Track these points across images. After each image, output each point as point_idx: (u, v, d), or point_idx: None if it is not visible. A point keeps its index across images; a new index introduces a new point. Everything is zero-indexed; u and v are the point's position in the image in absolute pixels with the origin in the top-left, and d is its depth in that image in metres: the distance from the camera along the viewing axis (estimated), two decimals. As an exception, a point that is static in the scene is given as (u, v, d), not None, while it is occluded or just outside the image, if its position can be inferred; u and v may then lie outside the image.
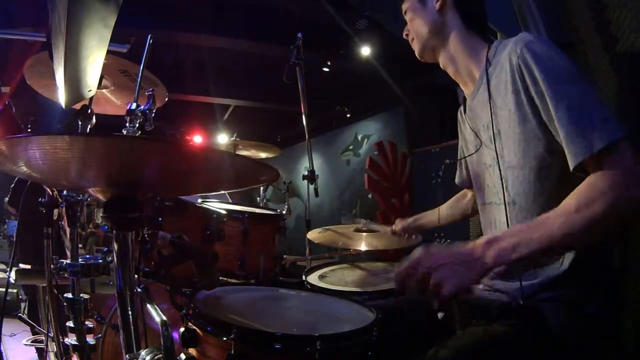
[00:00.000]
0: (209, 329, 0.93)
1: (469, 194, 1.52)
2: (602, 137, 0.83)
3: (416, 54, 1.23)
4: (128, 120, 1.07)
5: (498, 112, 1.05)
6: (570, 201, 0.84)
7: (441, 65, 1.21)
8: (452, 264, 0.82)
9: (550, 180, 0.97)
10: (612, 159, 0.83)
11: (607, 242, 1.04)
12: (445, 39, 1.15)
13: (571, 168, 0.87)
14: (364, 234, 1.91)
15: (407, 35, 1.23)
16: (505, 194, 1.05)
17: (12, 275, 2.28)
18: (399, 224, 1.72)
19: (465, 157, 1.31)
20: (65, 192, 1.35)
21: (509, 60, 0.99)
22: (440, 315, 1.03)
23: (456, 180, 1.48)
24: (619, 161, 0.83)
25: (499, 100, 1.04)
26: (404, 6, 1.21)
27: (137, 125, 1.07)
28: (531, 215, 0.98)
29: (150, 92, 1.10)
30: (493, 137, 1.06)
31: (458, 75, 1.18)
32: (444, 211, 1.62)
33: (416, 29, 1.19)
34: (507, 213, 1.04)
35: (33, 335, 2.86)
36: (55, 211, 1.48)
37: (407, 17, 1.22)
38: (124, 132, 1.07)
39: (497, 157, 1.06)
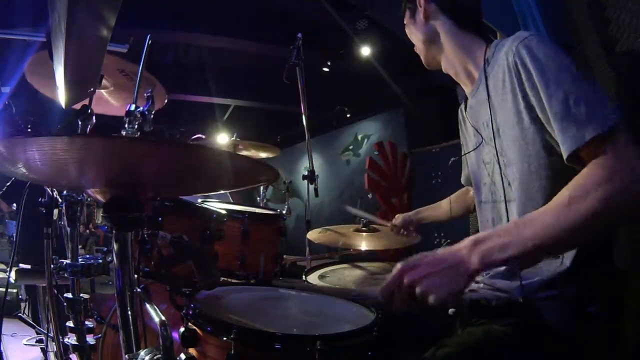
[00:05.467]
0: (209, 329, 0.93)
1: (471, 190, 1.52)
2: (595, 126, 0.79)
3: (424, 64, 1.27)
4: (127, 121, 1.07)
5: (497, 111, 1.05)
6: (564, 193, 0.79)
7: (444, 70, 1.23)
8: (435, 272, 0.77)
9: (550, 178, 0.96)
10: (607, 148, 0.78)
11: (608, 238, 1.01)
12: (440, 45, 1.18)
13: (565, 160, 0.84)
14: (364, 234, 1.91)
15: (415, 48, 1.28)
16: (506, 192, 1.05)
17: (12, 275, 2.28)
18: (399, 218, 1.74)
19: (465, 155, 1.31)
20: (65, 192, 1.36)
21: (505, 59, 0.99)
22: (450, 311, 1.01)
23: (462, 179, 1.49)
24: (614, 150, 0.78)
25: (497, 99, 1.04)
26: (405, 22, 1.26)
27: (136, 126, 1.07)
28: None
29: (149, 94, 1.10)
30: (493, 135, 1.07)
31: (458, 77, 1.20)
32: (446, 206, 1.63)
33: (415, 43, 1.25)
34: (507, 211, 1.04)
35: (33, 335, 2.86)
36: (55, 211, 1.48)
37: (407, 33, 1.26)
38: (123, 133, 1.07)
39: (497, 155, 1.06)
